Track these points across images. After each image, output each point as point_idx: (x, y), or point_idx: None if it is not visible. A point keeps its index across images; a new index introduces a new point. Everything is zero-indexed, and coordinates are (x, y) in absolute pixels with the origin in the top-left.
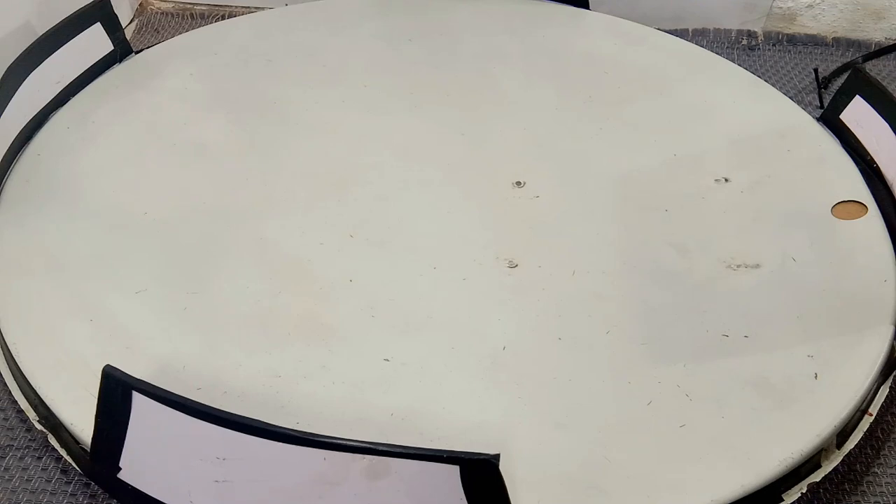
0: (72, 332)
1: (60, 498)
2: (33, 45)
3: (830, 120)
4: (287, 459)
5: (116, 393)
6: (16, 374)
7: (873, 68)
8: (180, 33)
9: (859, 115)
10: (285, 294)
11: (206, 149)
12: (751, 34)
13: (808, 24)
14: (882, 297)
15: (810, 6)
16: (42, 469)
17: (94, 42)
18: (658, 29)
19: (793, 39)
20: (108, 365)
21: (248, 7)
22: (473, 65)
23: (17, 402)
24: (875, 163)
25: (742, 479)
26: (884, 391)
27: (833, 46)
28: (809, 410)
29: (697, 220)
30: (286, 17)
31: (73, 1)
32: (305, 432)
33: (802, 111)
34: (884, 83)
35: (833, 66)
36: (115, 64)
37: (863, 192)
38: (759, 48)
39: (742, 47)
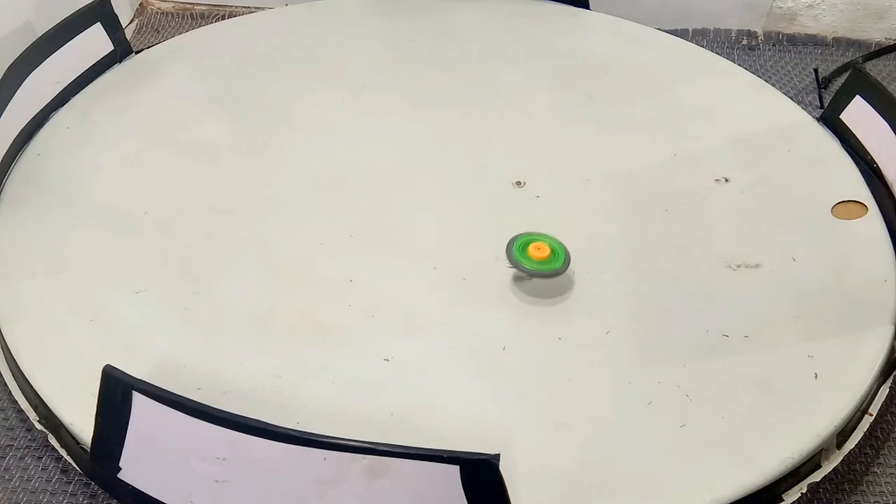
0: (72, 332)
1: (60, 498)
2: (33, 45)
3: (830, 120)
4: (287, 459)
5: (116, 393)
6: (16, 374)
7: (873, 68)
8: (180, 33)
9: (859, 115)
10: (285, 294)
11: (206, 149)
12: (751, 34)
13: (808, 24)
14: (882, 297)
15: (810, 6)
16: (42, 469)
17: (94, 42)
18: (658, 29)
19: (793, 39)
20: (108, 365)
21: (248, 7)
22: (473, 65)
23: (17, 402)
24: (875, 163)
25: (742, 479)
26: (884, 391)
27: (833, 46)
28: (809, 410)
29: (697, 220)
30: (286, 17)
31: (73, 1)
32: (305, 432)
33: (802, 111)
34: (884, 83)
35: (833, 66)
36: (115, 64)
37: (863, 192)
38: (759, 48)
39: (742, 47)
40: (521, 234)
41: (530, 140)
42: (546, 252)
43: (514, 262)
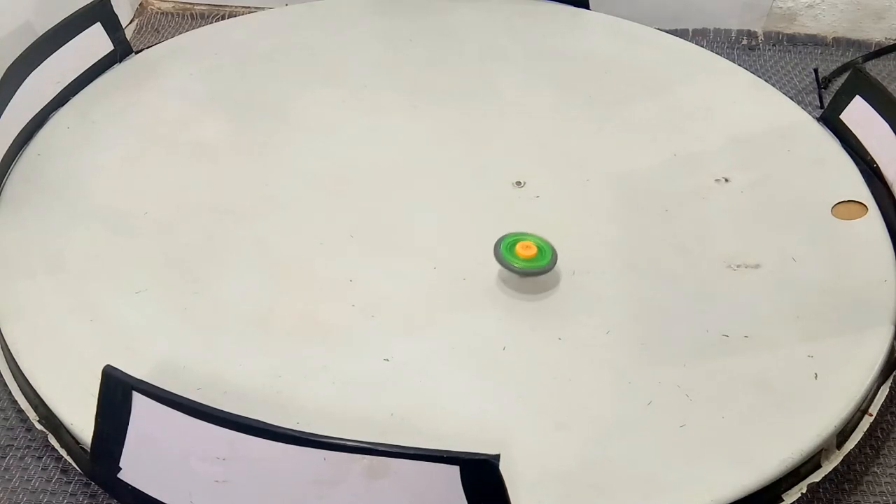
0: (72, 332)
1: (60, 498)
2: (33, 45)
3: (830, 120)
4: (287, 459)
5: (116, 393)
6: (16, 374)
7: (873, 68)
8: (180, 33)
9: (859, 115)
10: (285, 294)
11: (206, 149)
12: (751, 34)
13: (808, 24)
14: (882, 297)
15: (810, 6)
16: (42, 469)
17: (94, 42)
18: (658, 29)
19: (793, 39)
20: (108, 365)
21: (248, 7)
22: (473, 65)
23: (17, 402)
24: (875, 163)
25: (742, 479)
26: (884, 391)
27: (833, 46)
28: (809, 410)
29: (697, 220)
30: (286, 17)
31: (73, 1)
32: (305, 432)
33: (802, 111)
34: (884, 83)
35: (833, 66)
36: (115, 64)
37: (863, 192)
38: (759, 48)
39: (742, 47)
40: (507, 234)
41: (530, 140)
42: (533, 250)
43: (501, 261)
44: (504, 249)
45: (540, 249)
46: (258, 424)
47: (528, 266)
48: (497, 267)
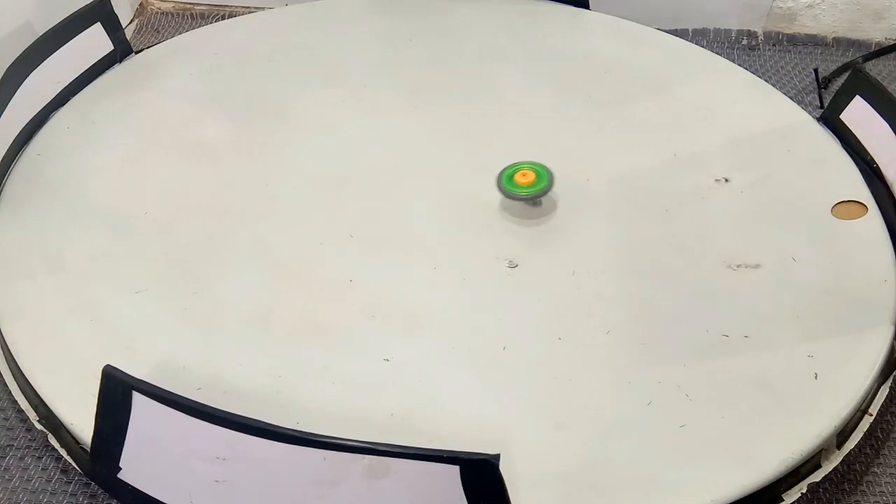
0: (72, 332)
1: (60, 498)
2: (33, 45)
3: (830, 120)
4: (287, 459)
5: (116, 393)
6: (16, 374)
7: (873, 68)
8: (180, 33)
9: (859, 115)
10: (285, 294)
11: (206, 149)
12: (751, 34)
13: (808, 24)
14: (882, 297)
15: (810, 6)
16: (42, 469)
17: (94, 42)
18: (658, 29)
19: (793, 39)
20: (108, 365)
21: (248, 7)
22: (473, 65)
23: (17, 402)
24: (875, 163)
25: (742, 479)
26: (884, 391)
27: (833, 46)
28: (809, 410)
29: (697, 220)
30: (286, 17)
31: (73, 1)
32: (305, 432)
33: (802, 111)
34: (884, 83)
35: (833, 66)
36: (115, 64)
37: (863, 192)
38: (759, 48)
39: (742, 47)
40: (504, 168)
41: (530, 140)
42: (531, 177)
43: (507, 194)
44: (505, 182)
45: (537, 174)
46: (258, 424)
47: (531, 192)
48: (496, 267)
